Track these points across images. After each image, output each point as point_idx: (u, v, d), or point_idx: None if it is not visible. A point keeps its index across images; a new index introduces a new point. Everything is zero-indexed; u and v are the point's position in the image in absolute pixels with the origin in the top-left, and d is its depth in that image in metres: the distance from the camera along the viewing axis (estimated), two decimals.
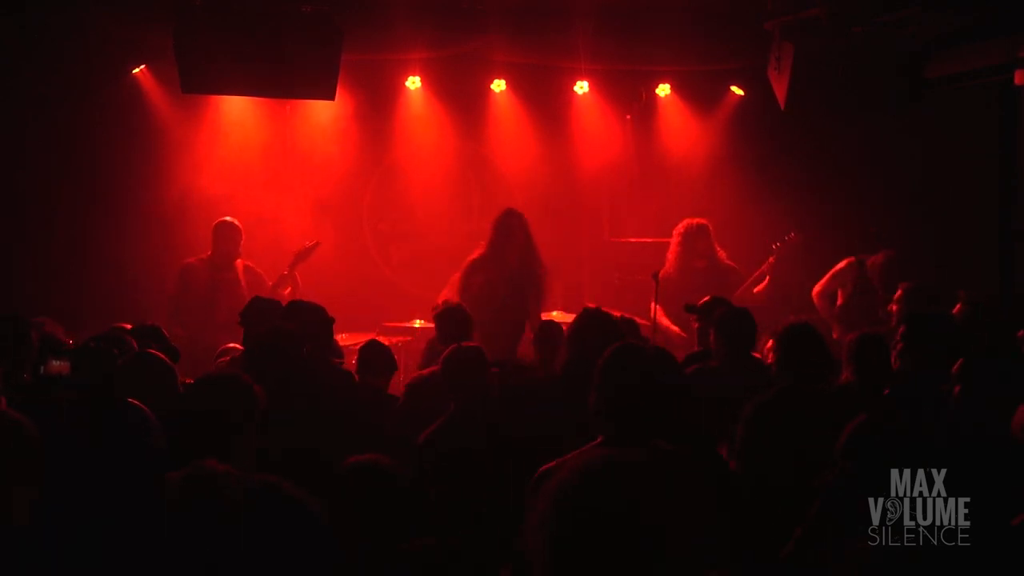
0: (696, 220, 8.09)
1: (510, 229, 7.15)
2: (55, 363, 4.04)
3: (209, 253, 7.76)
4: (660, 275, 7.27)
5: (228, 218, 7.82)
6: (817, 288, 7.59)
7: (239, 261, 7.72)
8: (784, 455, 3.92)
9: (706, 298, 5.92)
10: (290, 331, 4.75)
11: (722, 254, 8.07)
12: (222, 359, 5.69)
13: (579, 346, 4.76)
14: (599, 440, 3.43)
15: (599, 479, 2.14)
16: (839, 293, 7.51)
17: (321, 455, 3.84)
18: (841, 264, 7.58)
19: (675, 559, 2.16)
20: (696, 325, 5.89)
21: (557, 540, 2.05)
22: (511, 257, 7.07)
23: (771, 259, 7.93)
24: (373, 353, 5.44)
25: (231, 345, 6.04)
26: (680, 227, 8.10)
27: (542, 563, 2.07)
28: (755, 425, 4.13)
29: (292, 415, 4.29)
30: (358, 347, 7.13)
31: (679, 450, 3.44)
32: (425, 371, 5.21)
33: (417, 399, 4.97)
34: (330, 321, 5.28)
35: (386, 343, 6.10)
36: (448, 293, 7.24)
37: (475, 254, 7.23)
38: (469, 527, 4.06)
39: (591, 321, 4.96)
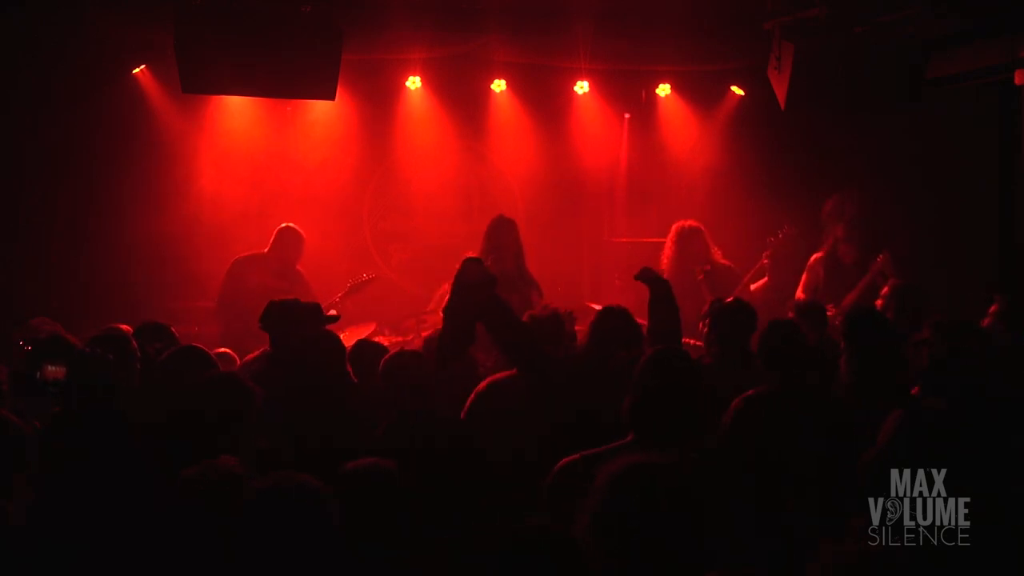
0: (688, 223, 8.04)
1: (503, 237, 7.26)
2: (51, 368, 4.03)
3: (266, 251, 7.85)
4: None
5: (292, 225, 7.92)
6: (799, 290, 7.66)
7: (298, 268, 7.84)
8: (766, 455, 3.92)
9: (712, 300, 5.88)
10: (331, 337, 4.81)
11: (717, 253, 8.03)
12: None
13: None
14: (630, 438, 3.48)
15: (637, 478, 2.34)
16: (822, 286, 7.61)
17: (326, 454, 3.84)
18: (810, 261, 7.70)
19: (702, 550, 2.36)
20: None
21: (605, 529, 2.42)
22: (508, 263, 7.13)
23: (766, 256, 7.92)
24: (365, 353, 5.41)
25: (223, 350, 6.04)
26: (673, 231, 8.05)
27: (594, 546, 2.40)
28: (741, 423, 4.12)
29: (306, 415, 4.32)
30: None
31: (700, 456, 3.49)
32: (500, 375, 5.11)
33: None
34: (325, 320, 5.27)
35: (386, 343, 6.10)
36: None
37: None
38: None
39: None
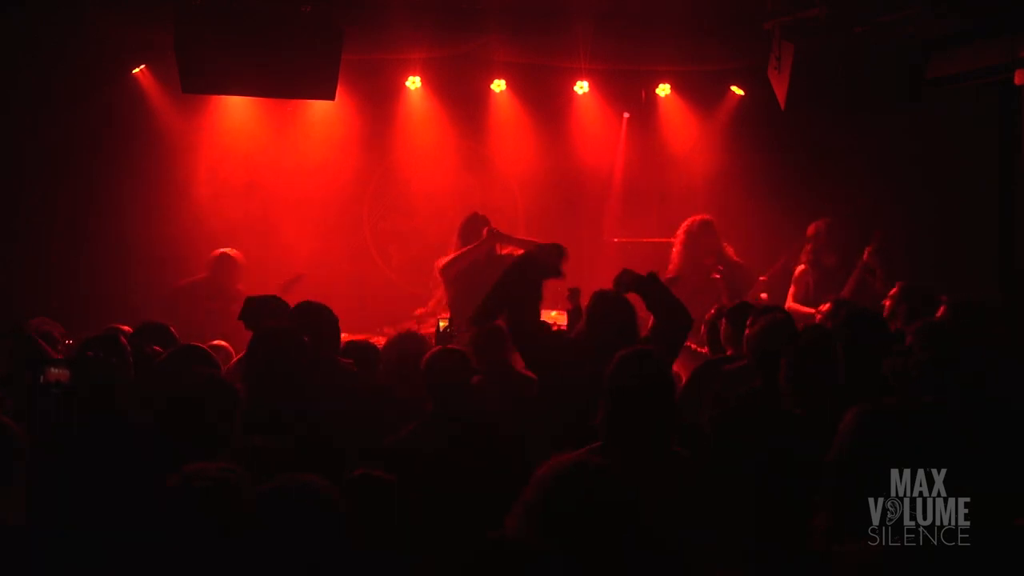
0: (699, 216, 8.02)
1: (476, 234, 7.38)
2: (54, 371, 4.03)
3: (204, 276, 7.74)
4: (665, 276, 7.34)
5: (229, 251, 7.82)
6: (788, 300, 7.67)
7: (238, 288, 7.68)
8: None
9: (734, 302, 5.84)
10: (290, 329, 4.76)
11: (730, 250, 7.98)
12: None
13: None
14: (597, 444, 3.45)
15: (567, 480, 2.47)
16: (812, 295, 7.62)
17: (329, 454, 3.84)
18: (796, 273, 7.72)
19: (643, 549, 2.37)
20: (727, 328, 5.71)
21: (539, 526, 2.44)
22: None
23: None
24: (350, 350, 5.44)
25: (218, 343, 6.04)
26: (684, 225, 8.01)
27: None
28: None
29: (300, 413, 4.30)
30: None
31: (681, 452, 3.47)
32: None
33: None
34: (335, 320, 5.26)
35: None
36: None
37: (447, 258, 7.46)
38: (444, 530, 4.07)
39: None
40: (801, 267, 7.76)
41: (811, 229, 7.77)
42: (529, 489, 2.55)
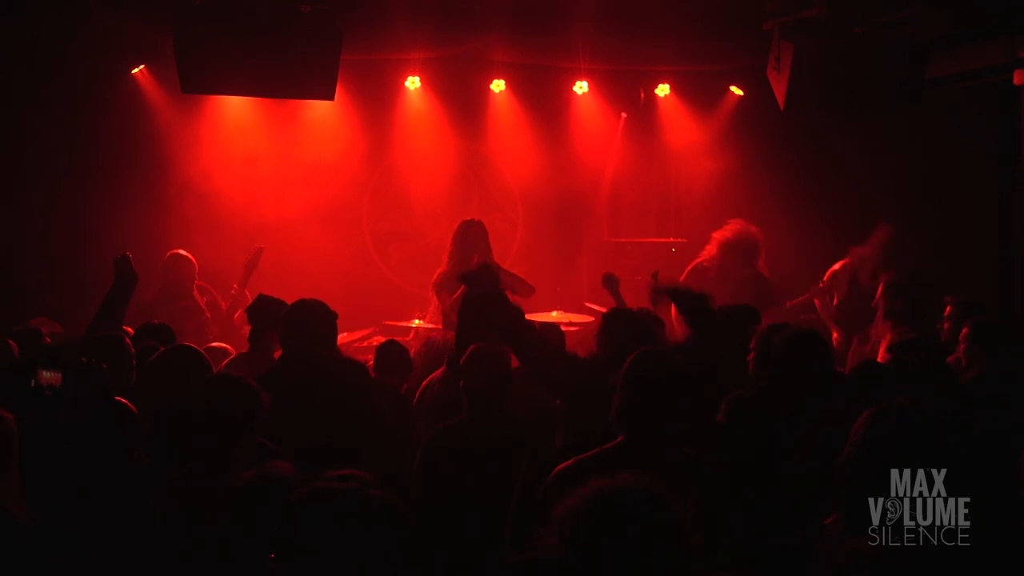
0: (751, 228, 7.83)
1: (471, 240, 7.25)
2: (46, 374, 4.00)
3: (159, 287, 7.49)
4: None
5: (181, 251, 7.63)
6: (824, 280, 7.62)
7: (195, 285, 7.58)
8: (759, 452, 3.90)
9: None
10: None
11: (761, 263, 7.82)
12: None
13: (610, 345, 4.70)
14: (619, 440, 3.47)
15: (604, 505, 2.34)
16: (834, 294, 7.53)
17: (336, 452, 3.83)
18: (836, 266, 7.63)
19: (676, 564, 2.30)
20: None
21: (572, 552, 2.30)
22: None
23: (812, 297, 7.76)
24: (391, 352, 5.59)
25: (217, 344, 6.03)
26: (728, 232, 7.83)
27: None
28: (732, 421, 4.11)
29: (310, 412, 4.31)
30: (358, 345, 7.19)
31: (695, 454, 3.49)
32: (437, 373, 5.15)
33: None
34: (334, 317, 5.24)
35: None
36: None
37: (440, 270, 7.33)
38: (461, 529, 4.08)
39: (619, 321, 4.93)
40: (845, 262, 7.56)
41: (881, 236, 7.45)
42: (561, 518, 2.41)
